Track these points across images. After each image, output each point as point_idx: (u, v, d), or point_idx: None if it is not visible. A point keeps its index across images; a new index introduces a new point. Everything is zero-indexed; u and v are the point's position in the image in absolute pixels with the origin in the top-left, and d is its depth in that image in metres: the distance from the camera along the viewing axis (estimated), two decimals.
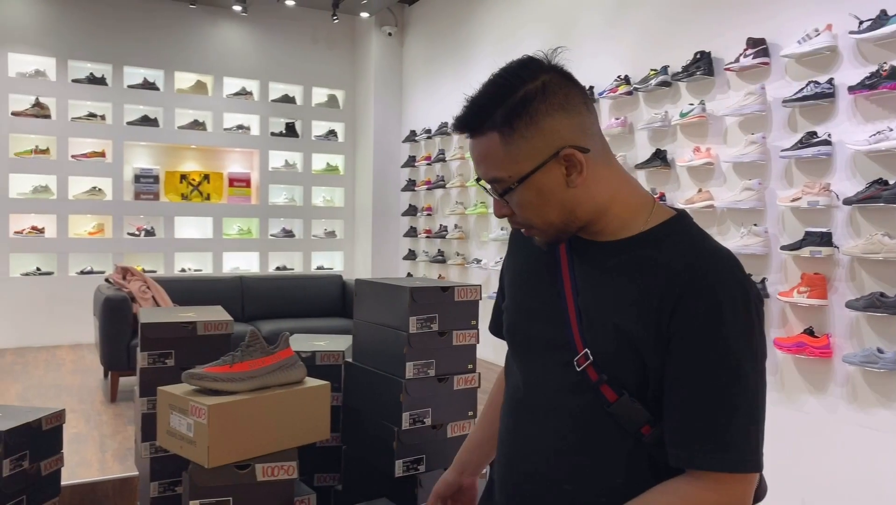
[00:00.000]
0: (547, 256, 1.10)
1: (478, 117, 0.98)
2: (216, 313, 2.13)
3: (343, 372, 2.13)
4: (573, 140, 0.97)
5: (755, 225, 3.76)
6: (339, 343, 2.27)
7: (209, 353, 2.06)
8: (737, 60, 3.84)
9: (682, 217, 1.04)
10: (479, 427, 1.41)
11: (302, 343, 2.29)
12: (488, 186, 1.03)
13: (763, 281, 3.72)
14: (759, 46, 3.75)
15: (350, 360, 2.10)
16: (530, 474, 1.08)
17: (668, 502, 0.95)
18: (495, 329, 1.28)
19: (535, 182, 0.97)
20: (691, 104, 4.16)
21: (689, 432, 0.93)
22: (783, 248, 3.59)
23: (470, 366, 1.94)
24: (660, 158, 4.37)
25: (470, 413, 1.95)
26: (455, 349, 1.92)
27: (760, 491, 1.02)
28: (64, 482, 3.39)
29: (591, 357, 1.00)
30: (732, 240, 3.86)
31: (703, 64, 4.08)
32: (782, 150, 3.61)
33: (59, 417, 2.03)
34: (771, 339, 3.66)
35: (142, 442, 1.98)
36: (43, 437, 1.96)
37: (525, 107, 0.95)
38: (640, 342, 0.96)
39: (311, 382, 1.76)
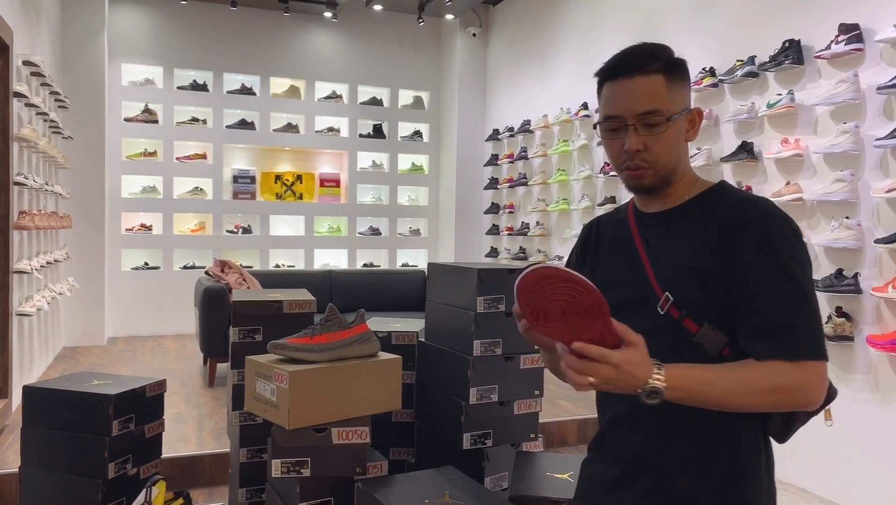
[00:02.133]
0: (621, 237, 1.31)
1: (647, 58, 1.19)
2: (300, 294, 2.29)
3: (416, 351, 2.23)
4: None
5: (847, 218, 3.61)
6: (414, 325, 2.38)
7: (294, 329, 2.21)
8: (828, 48, 3.70)
9: (724, 183, 1.28)
10: None
11: (380, 324, 2.42)
12: (629, 122, 1.19)
13: (856, 276, 3.57)
14: (851, 32, 3.61)
15: (423, 339, 2.21)
16: (635, 408, 1.20)
17: (757, 370, 1.09)
18: None
19: (678, 123, 1.20)
20: (779, 94, 4.04)
21: (765, 331, 1.10)
22: (878, 241, 3.43)
23: (536, 346, 2.01)
24: (746, 151, 4.26)
25: (536, 392, 2.02)
26: None
27: (832, 392, 1.19)
28: (166, 455, 3.69)
29: (672, 298, 1.17)
30: (823, 234, 3.72)
31: (791, 52, 3.95)
32: (877, 140, 3.45)
33: (161, 385, 2.24)
34: (864, 336, 3.51)
35: (233, 410, 2.15)
36: (147, 402, 2.17)
37: (681, 65, 1.23)
38: (710, 273, 1.15)
39: (385, 355, 1.88)
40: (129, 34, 7.35)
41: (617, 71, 1.20)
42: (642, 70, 1.19)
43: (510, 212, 7.29)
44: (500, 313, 1.96)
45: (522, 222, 7.04)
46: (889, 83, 3.38)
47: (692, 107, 1.25)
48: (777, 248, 1.13)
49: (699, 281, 1.16)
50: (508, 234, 7.23)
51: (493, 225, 7.63)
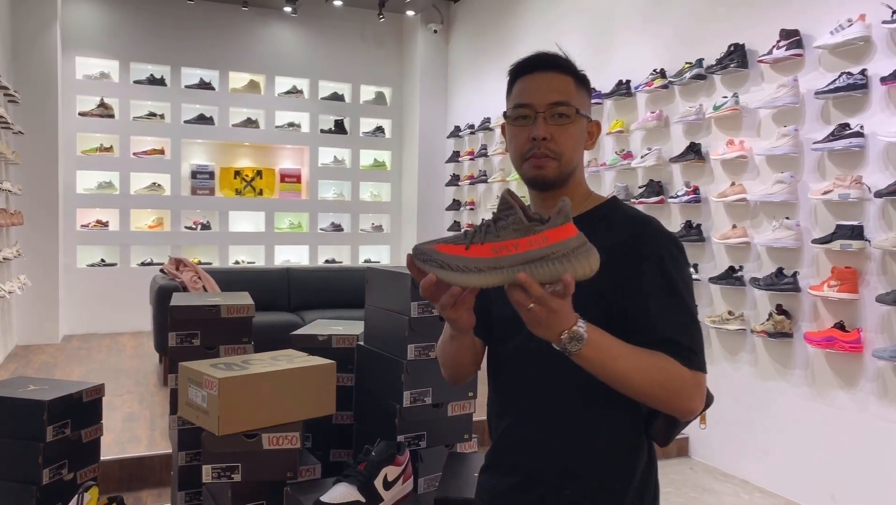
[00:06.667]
0: None
1: (561, 60, 1.28)
2: (240, 298, 2.30)
3: (356, 354, 2.26)
4: None
5: (787, 218, 3.72)
6: (356, 328, 2.41)
7: (232, 334, 2.23)
8: (770, 52, 3.80)
9: (616, 199, 1.33)
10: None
11: (321, 327, 2.44)
12: (539, 110, 1.24)
13: (794, 275, 3.68)
14: (792, 38, 3.71)
15: (362, 343, 2.24)
16: (532, 416, 1.26)
17: (663, 363, 1.13)
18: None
19: (582, 123, 1.27)
20: (725, 97, 4.14)
21: (666, 343, 1.14)
22: (815, 241, 3.54)
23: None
24: (694, 152, 4.36)
25: (470, 394, 2.06)
26: None
27: (710, 399, 1.25)
28: (115, 456, 3.66)
29: None
30: (764, 233, 3.83)
31: (736, 56, 4.05)
32: (814, 143, 3.56)
33: (99, 390, 2.23)
34: (802, 333, 3.63)
35: (170, 415, 2.16)
36: (84, 407, 2.16)
37: (585, 78, 1.31)
38: (607, 290, 1.17)
39: (319, 360, 1.90)
40: (83, 27, 7.21)
41: (533, 66, 1.27)
42: (557, 68, 1.27)
43: (471, 209, 7.33)
44: (434, 318, 2.00)
45: (483, 219, 7.05)
46: (826, 88, 3.49)
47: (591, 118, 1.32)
48: (670, 269, 1.19)
49: (594, 299, 1.15)
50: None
51: (455, 221, 7.66)
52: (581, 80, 1.29)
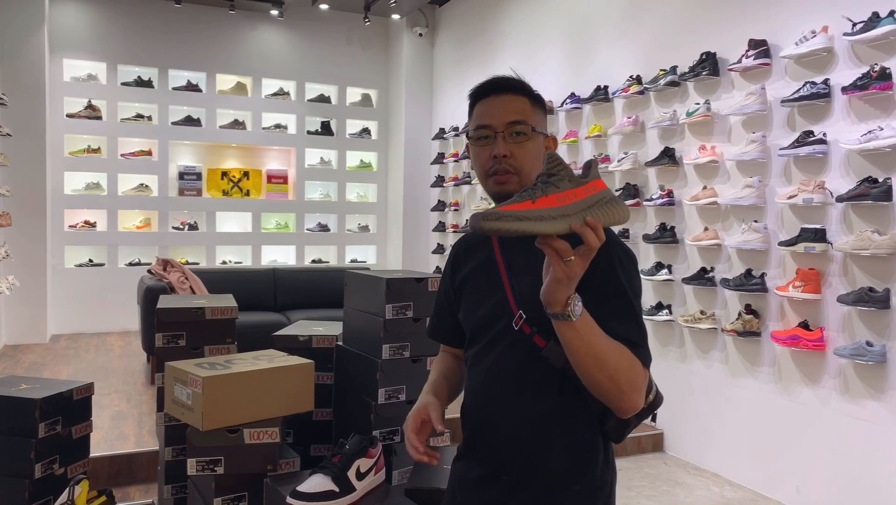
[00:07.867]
0: (485, 257, 1.42)
1: (516, 83, 1.38)
2: (224, 300, 2.41)
3: (335, 354, 2.37)
4: None
5: (755, 221, 3.86)
6: (335, 329, 2.52)
7: (216, 334, 2.33)
8: (739, 61, 3.94)
9: None
10: (434, 384, 1.55)
11: (303, 328, 2.55)
12: (498, 130, 1.35)
13: (762, 276, 3.82)
14: (760, 47, 3.85)
15: (340, 343, 2.35)
16: (496, 413, 1.36)
17: (629, 354, 1.22)
18: (435, 333, 1.58)
19: (539, 139, 1.37)
20: (697, 103, 4.27)
21: (620, 336, 1.22)
22: (781, 243, 3.69)
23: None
24: (668, 156, 4.49)
25: None
26: None
27: (658, 400, 1.36)
28: (104, 452, 3.75)
29: (525, 316, 1.29)
30: (734, 236, 3.97)
31: (708, 64, 4.19)
32: (781, 149, 3.71)
33: (88, 389, 2.34)
34: (769, 332, 3.77)
35: (157, 412, 2.26)
36: (74, 405, 2.27)
37: (540, 98, 1.42)
38: None
39: (298, 360, 2.01)
40: (70, 29, 7.27)
41: (490, 90, 1.38)
42: (512, 90, 1.37)
43: (455, 209, 7.45)
44: (408, 319, 2.11)
45: (467, 220, 7.20)
46: (792, 96, 3.63)
47: (548, 134, 1.43)
48: (620, 275, 1.27)
49: None
50: (454, 231, 7.40)
51: (440, 222, 7.79)
52: (536, 100, 1.40)
